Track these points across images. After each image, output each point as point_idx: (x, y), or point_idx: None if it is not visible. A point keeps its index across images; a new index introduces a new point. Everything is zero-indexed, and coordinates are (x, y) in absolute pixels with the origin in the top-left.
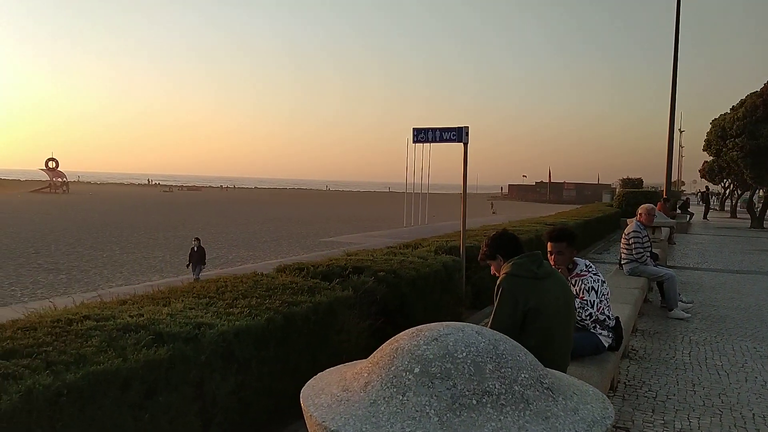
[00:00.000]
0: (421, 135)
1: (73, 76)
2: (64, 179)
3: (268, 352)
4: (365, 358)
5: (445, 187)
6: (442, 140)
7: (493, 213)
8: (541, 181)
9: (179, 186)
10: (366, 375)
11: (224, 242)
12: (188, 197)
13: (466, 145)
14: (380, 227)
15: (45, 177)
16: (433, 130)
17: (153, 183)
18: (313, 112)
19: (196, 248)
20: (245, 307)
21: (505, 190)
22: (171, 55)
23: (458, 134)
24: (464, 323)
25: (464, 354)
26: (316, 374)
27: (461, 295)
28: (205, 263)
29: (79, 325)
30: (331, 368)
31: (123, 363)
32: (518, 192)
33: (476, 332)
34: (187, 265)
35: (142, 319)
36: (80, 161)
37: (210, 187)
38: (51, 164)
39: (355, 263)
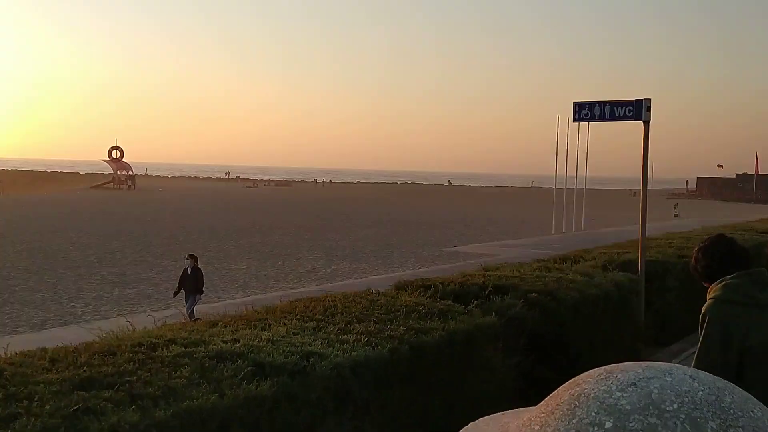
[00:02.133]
0: (585, 111)
1: (140, 53)
2: (130, 172)
3: (391, 391)
4: (513, 403)
5: (603, 181)
6: (613, 118)
7: (676, 216)
8: (745, 173)
9: (265, 180)
10: (538, 428)
11: (322, 251)
12: (276, 194)
13: (646, 124)
14: (521, 234)
15: (108, 169)
16: (602, 104)
17: (233, 177)
18: (444, 89)
19: (190, 269)
20: (362, 334)
21: (692, 185)
22: (240, 29)
23: (636, 109)
24: (671, 364)
25: (675, 406)
26: (449, 423)
27: (640, 325)
28: (202, 292)
29: (165, 350)
30: (486, 417)
31: (220, 400)
32: (710, 188)
33: (690, 377)
34: (175, 293)
35: (238, 345)
36: (148, 150)
37: (302, 181)
38: (115, 153)
39: (497, 281)
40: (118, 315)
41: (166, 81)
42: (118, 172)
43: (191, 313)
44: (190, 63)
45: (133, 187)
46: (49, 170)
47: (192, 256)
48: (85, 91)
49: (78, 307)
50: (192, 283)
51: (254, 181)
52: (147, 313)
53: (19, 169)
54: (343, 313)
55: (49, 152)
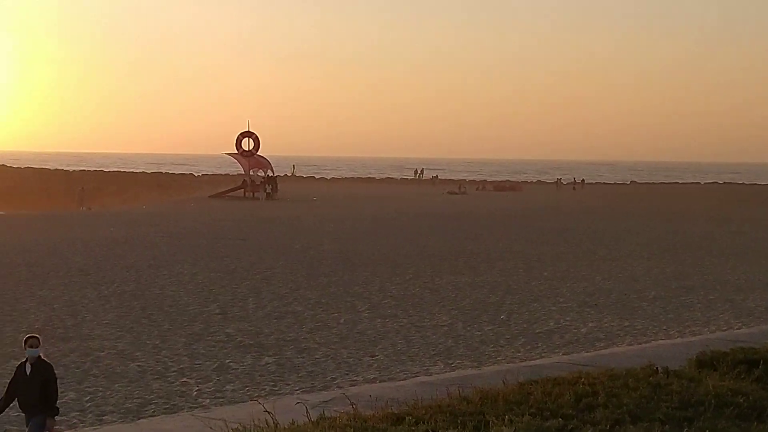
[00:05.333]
0: None
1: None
2: (269, 172)
3: None
4: None
5: None
6: None
7: None
8: None
9: (478, 182)
10: None
11: (571, 297)
12: (490, 201)
13: None
14: None
15: (237, 167)
16: None
17: (423, 175)
18: None
19: (28, 367)
20: None
21: None
22: None
23: None
24: None
25: None
26: None
27: None
28: (55, 410)
29: None
30: None
31: None
32: None
33: None
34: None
35: None
36: (287, 139)
37: (528, 182)
38: (247, 143)
39: None
40: (252, 399)
41: (304, 50)
42: (252, 173)
43: None
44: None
45: (274, 192)
46: (149, 171)
47: (32, 339)
48: (200, 68)
49: (191, 383)
50: (32, 394)
51: (460, 183)
52: (295, 396)
53: (107, 170)
54: (607, 406)
55: (150, 145)
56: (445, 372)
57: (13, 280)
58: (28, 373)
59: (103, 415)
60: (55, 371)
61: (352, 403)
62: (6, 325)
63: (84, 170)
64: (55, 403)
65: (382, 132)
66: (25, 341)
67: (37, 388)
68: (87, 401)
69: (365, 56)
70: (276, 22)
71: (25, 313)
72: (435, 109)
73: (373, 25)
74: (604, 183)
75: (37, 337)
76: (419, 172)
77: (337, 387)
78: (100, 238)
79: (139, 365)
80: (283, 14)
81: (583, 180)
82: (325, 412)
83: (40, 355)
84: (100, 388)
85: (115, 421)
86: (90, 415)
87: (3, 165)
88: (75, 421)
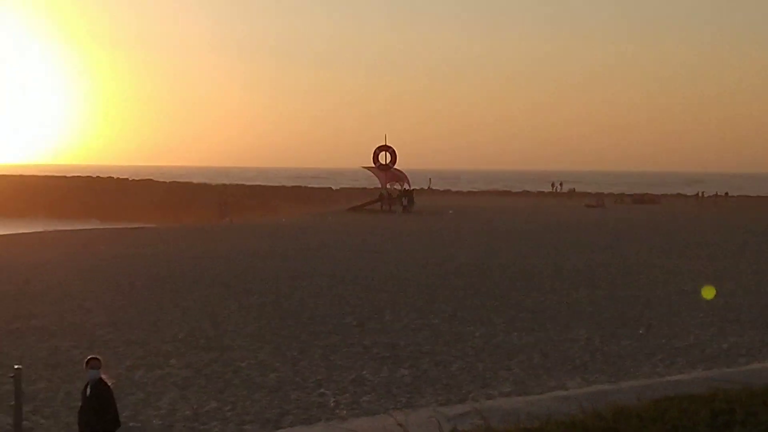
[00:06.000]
0: None
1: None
2: (405, 185)
3: None
4: None
5: None
6: None
7: None
8: None
9: (616, 195)
10: None
11: (710, 312)
12: (628, 214)
13: None
14: None
15: (374, 180)
16: None
17: (560, 188)
18: None
19: (89, 386)
20: None
21: None
22: None
23: None
24: None
25: None
26: None
27: None
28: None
29: None
30: None
31: None
32: None
33: None
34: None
35: None
36: (424, 152)
37: (667, 195)
38: (384, 157)
39: None
40: (387, 410)
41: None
42: (389, 186)
43: None
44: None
45: (410, 207)
46: (288, 185)
47: (93, 361)
48: (338, 83)
49: (329, 394)
50: (89, 415)
51: (598, 196)
52: (430, 409)
53: (247, 184)
54: (744, 425)
55: (289, 159)
56: (582, 387)
57: (159, 291)
58: (87, 395)
59: (244, 425)
60: (113, 393)
61: (483, 417)
62: (151, 335)
63: (225, 184)
64: (113, 426)
65: (519, 143)
66: (87, 363)
67: (93, 409)
68: (228, 410)
69: (505, 69)
70: (413, 37)
71: (169, 324)
72: (576, 119)
73: (513, 37)
74: (747, 196)
75: (97, 359)
76: (557, 185)
77: (472, 400)
78: (241, 251)
79: (277, 376)
80: (420, 30)
81: (726, 193)
82: (458, 426)
83: (102, 377)
84: (241, 398)
85: (256, 431)
86: (231, 425)
87: (150, 179)
88: (216, 431)
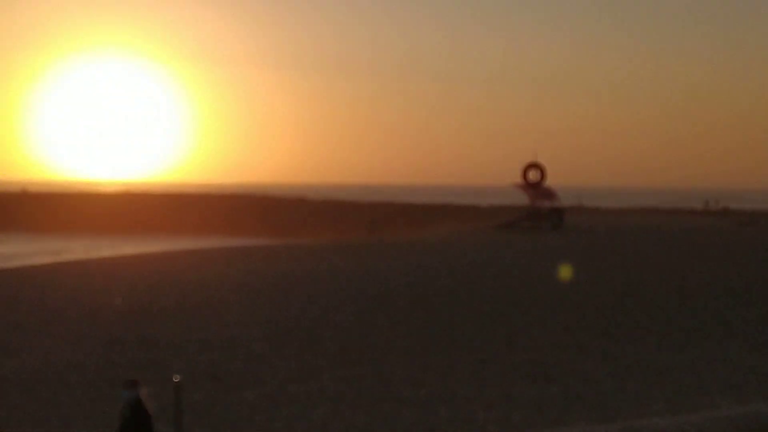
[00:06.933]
0: None
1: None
2: (555, 203)
3: None
4: None
5: None
6: None
7: None
8: None
9: None
10: None
11: None
12: None
13: None
14: None
15: (523, 198)
16: None
17: (713, 206)
18: None
19: (130, 407)
20: None
21: None
22: None
23: None
24: None
25: None
26: None
27: None
28: None
29: None
30: None
31: None
32: None
33: None
34: None
35: None
36: (574, 168)
37: None
38: (533, 175)
39: None
40: (535, 428)
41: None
42: (538, 204)
43: None
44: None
45: (560, 225)
46: (436, 203)
47: (132, 384)
48: (487, 98)
49: (478, 411)
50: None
51: (751, 214)
52: (579, 428)
53: (397, 202)
54: None
55: (436, 175)
56: (735, 407)
57: (313, 307)
58: (129, 414)
59: None
60: (152, 415)
61: None
62: (305, 349)
63: (375, 202)
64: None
65: (675, 160)
66: (123, 384)
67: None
68: (379, 424)
69: (665, 84)
70: (562, 53)
71: (322, 339)
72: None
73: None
74: None
75: (133, 380)
76: (710, 203)
77: (622, 419)
78: (392, 268)
79: (428, 392)
80: (579, 47)
81: None
82: None
83: (140, 397)
84: (391, 412)
85: None
86: None
87: (301, 198)
88: None
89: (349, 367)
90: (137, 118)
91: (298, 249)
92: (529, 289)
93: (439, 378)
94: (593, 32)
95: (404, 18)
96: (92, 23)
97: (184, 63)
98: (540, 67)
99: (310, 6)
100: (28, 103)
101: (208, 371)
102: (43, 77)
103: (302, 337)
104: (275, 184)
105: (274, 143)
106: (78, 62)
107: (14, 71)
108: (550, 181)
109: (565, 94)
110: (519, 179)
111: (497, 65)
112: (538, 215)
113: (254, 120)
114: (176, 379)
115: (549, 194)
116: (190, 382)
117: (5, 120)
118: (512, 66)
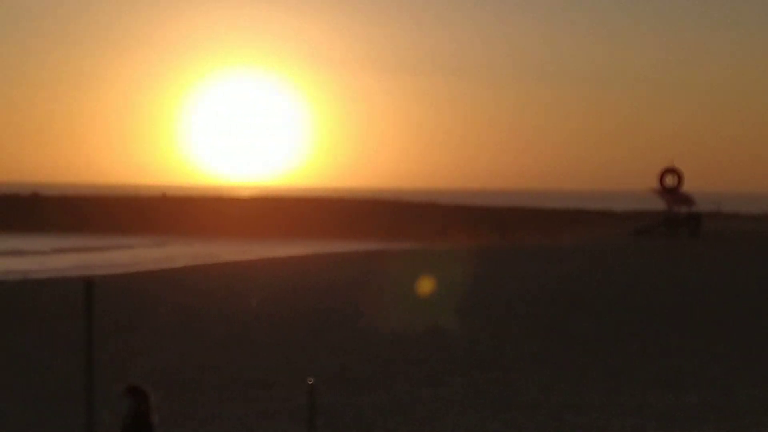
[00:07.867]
0: None
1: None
2: (692, 209)
3: None
4: None
5: None
6: None
7: None
8: None
9: None
10: None
11: None
12: None
13: None
14: None
15: (659, 203)
16: None
17: None
18: None
19: (129, 415)
20: None
21: None
22: None
23: None
24: None
25: None
26: None
27: None
28: None
29: None
30: None
31: None
32: None
33: None
34: None
35: None
36: (712, 173)
37: None
38: (670, 180)
39: None
40: None
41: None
42: (675, 210)
43: None
44: None
45: (697, 232)
46: (569, 208)
47: (134, 391)
48: (621, 103)
49: (611, 419)
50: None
51: None
52: None
53: (528, 207)
54: None
55: (569, 180)
56: None
57: (442, 312)
58: (129, 422)
59: None
60: (155, 424)
61: None
62: (434, 353)
63: (505, 206)
64: None
65: None
66: (124, 391)
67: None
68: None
69: None
70: (702, 53)
71: (451, 344)
72: None
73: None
74: None
75: (134, 387)
76: None
77: (762, 427)
78: (523, 273)
79: (558, 398)
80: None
81: None
82: None
83: (142, 407)
84: (520, 419)
85: None
86: None
87: (433, 203)
88: None
89: (479, 373)
90: (262, 125)
91: (432, 254)
92: (663, 296)
93: (570, 385)
94: (738, 32)
95: (529, 18)
96: (218, 41)
97: (306, 71)
98: (678, 68)
99: (427, 10)
100: (168, 114)
101: (339, 374)
102: (178, 92)
103: (433, 341)
104: (399, 189)
105: (396, 147)
106: (204, 75)
107: (158, 89)
108: (688, 187)
109: (705, 96)
110: (656, 184)
111: (633, 67)
112: (674, 221)
113: (377, 125)
114: (310, 381)
115: (686, 200)
116: (323, 385)
117: (152, 130)
118: (650, 68)
